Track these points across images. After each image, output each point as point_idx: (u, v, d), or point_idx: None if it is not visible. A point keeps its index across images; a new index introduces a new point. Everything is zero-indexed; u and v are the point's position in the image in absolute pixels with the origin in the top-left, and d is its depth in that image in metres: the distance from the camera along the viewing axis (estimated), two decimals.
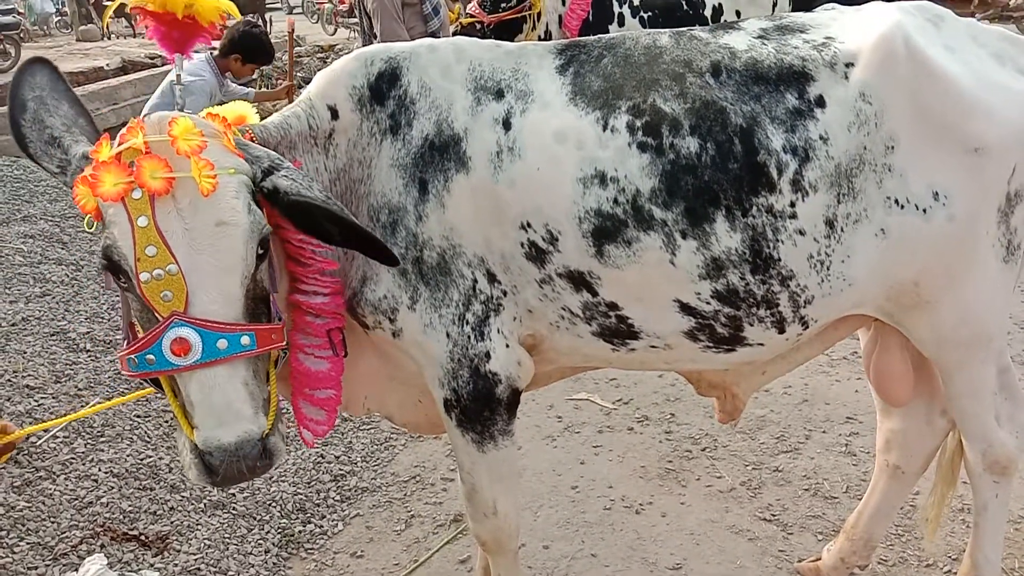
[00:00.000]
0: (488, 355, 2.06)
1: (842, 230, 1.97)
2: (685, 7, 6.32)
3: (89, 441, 3.43)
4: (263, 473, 1.72)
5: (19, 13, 18.53)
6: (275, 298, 1.79)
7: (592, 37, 2.19)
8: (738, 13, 6.35)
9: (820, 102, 1.95)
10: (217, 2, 2.04)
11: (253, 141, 1.94)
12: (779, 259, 1.96)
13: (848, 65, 1.96)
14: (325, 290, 1.98)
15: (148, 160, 1.59)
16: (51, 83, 1.86)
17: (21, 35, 16.99)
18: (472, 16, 5.99)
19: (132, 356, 1.62)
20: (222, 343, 1.59)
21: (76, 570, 2.79)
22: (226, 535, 3.12)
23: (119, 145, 1.63)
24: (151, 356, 1.59)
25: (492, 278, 2.03)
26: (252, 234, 1.65)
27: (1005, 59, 2.03)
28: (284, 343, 1.76)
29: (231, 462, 1.61)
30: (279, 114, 2.09)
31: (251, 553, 3.07)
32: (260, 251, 1.69)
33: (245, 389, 1.64)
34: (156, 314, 1.59)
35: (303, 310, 1.99)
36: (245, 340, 1.63)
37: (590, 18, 6.25)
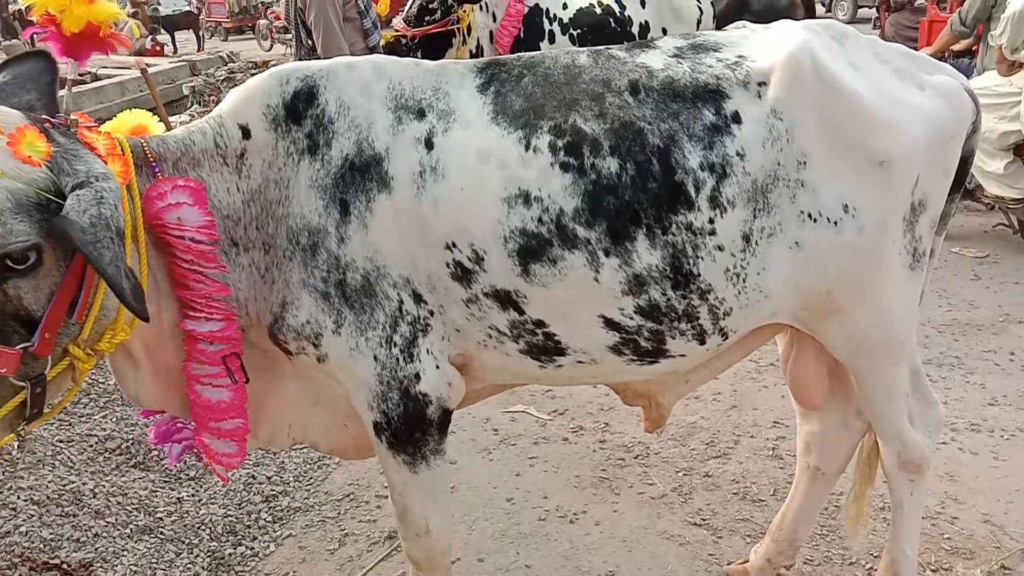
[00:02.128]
0: (418, 376, 2.04)
1: (757, 244, 2.03)
2: (613, 24, 6.45)
3: (6, 468, 3.31)
4: None
5: None
6: (48, 328, 1.65)
7: (512, 55, 2.21)
8: (664, 31, 6.50)
9: (736, 118, 2.01)
10: (113, 11, 1.96)
11: (148, 154, 1.90)
12: (699, 274, 2.01)
13: (760, 84, 2.03)
14: (217, 315, 1.93)
15: None
16: (32, 73, 1.83)
17: None
18: (397, 31, 5.97)
19: None
20: None
21: None
22: (153, 560, 3.05)
23: None
24: None
25: (418, 298, 2.02)
26: None
27: (905, 75, 2.13)
28: (7, 372, 1.61)
29: None
30: (183, 129, 2.04)
31: None
32: (16, 266, 1.59)
33: None
34: None
35: (195, 338, 1.94)
36: None
37: (521, 34, 6.32)
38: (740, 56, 2.09)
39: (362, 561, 3.12)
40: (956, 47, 6.94)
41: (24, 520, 3.09)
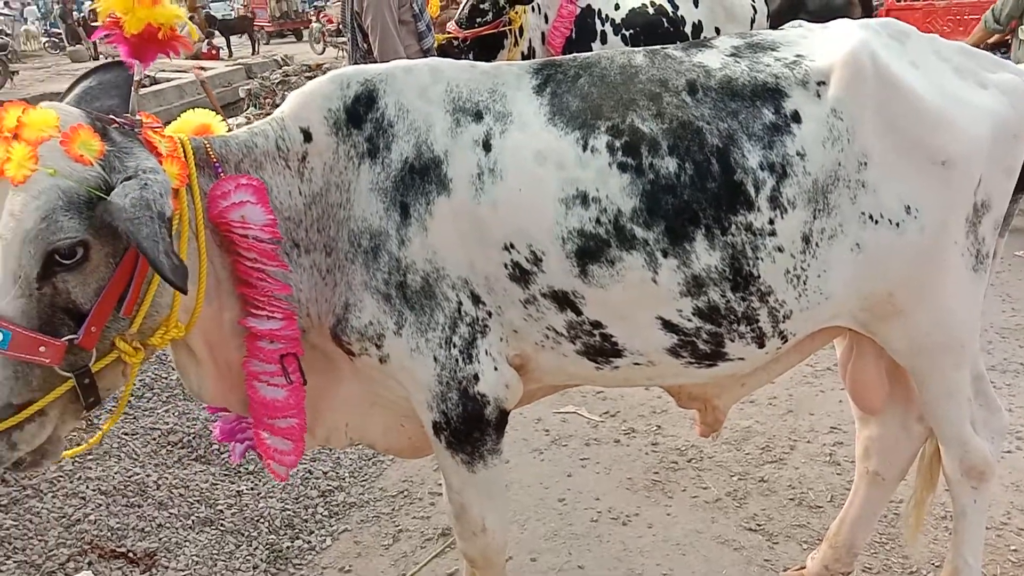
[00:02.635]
0: (476, 377, 2.06)
1: (818, 245, 2.01)
2: (666, 24, 6.40)
3: (76, 459, 3.43)
4: None
5: (7, 34, 18.54)
6: (95, 321, 1.71)
7: (568, 56, 2.22)
8: (717, 30, 6.44)
9: (796, 117, 1.99)
10: (174, 13, 1.99)
11: (211, 155, 1.95)
12: (758, 276, 1.99)
13: (820, 83, 2.01)
14: (278, 314, 1.96)
15: None
16: (116, 80, 1.93)
17: (9, 56, 17.00)
18: (449, 34, 6.01)
19: None
20: None
21: None
22: (214, 551, 3.13)
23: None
24: None
25: (476, 300, 2.03)
26: (33, 239, 1.62)
27: (967, 73, 2.09)
28: (52, 362, 1.67)
29: None
30: (245, 130, 2.07)
31: (239, 569, 3.07)
32: (64, 260, 1.65)
33: None
34: None
35: (255, 335, 1.98)
36: None
37: (573, 35, 6.32)
38: (799, 55, 2.07)
39: (416, 557, 3.16)
40: (989, 40, 6.94)
41: (92, 509, 3.20)
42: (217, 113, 2.20)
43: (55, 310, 1.69)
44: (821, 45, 2.07)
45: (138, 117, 1.86)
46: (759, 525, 3.24)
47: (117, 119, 1.80)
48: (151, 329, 1.82)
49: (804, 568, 2.88)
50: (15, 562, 2.90)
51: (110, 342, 1.77)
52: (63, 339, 1.68)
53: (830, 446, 3.73)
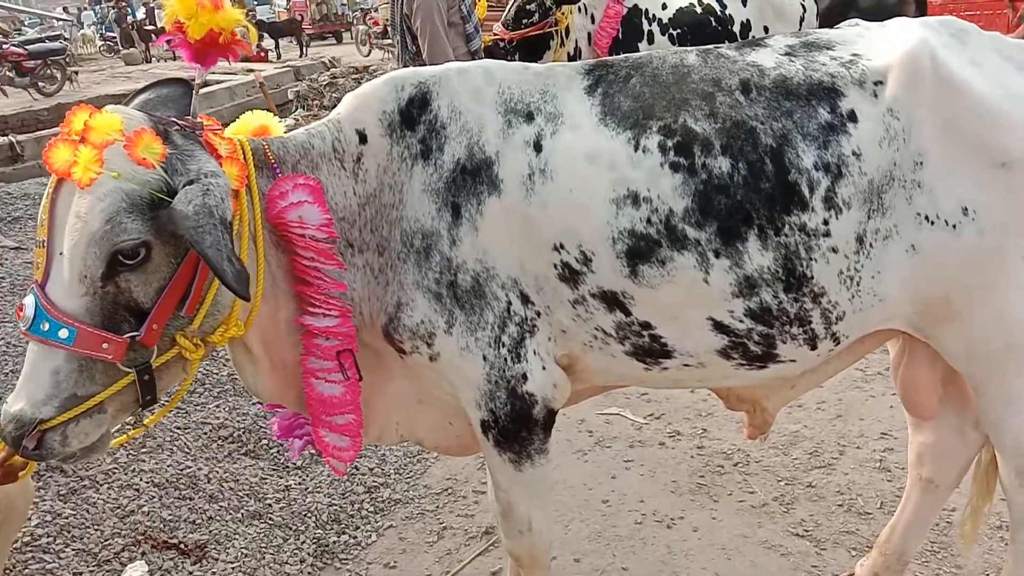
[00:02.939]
0: (525, 376, 2.07)
1: (872, 246, 1.97)
2: (714, 23, 6.35)
3: (131, 451, 3.52)
4: (35, 459, 1.84)
5: (65, 39, 19.08)
6: (157, 319, 1.76)
7: (619, 56, 2.21)
8: (766, 29, 6.37)
9: (852, 117, 1.96)
10: (235, 18, 2.03)
11: (269, 156, 1.99)
12: (812, 277, 1.97)
13: (877, 83, 1.98)
14: (334, 312, 2.00)
15: (64, 142, 1.70)
16: (174, 95, 1.99)
17: (68, 59, 17.48)
18: (495, 35, 6.03)
19: None
20: (44, 325, 1.69)
21: None
22: (263, 544, 3.19)
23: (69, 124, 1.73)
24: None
25: (526, 299, 2.04)
26: (98, 241, 1.67)
27: None
28: (113, 358, 1.73)
29: (5, 429, 1.75)
30: (302, 131, 2.11)
31: (287, 563, 3.12)
32: (127, 261, 1.70)
33: (52, 377, 1.73)
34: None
35: (312, 333, 2.01)
36: (63, 333, 1.68)
37: (619, 36, 6.29)
38: (855, 54, 2.04)
39: (460, 555, 3.18)
40: None
41: (146, 501, 3.28)
42: (274, 115, 2.24)
43: (118, 308, 1.75)
44: (879, 44, 2.03)
45: (199, 120, 1.91)
46: (806, 531, 3.20)
47: (178, 122, 1.85)
48: (211, 327, 1.87)
49: (853, 574, 2.83)
50: (73, 550, 2.99)
51: (171, 339, 1.82)
52: (125, 336, 1.74)
53: (880, 452, 3.67)
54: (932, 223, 1.96)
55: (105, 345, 1.71)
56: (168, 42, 2.01)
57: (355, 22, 27.28)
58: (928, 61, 1.94)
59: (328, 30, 28.80)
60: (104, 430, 1.84)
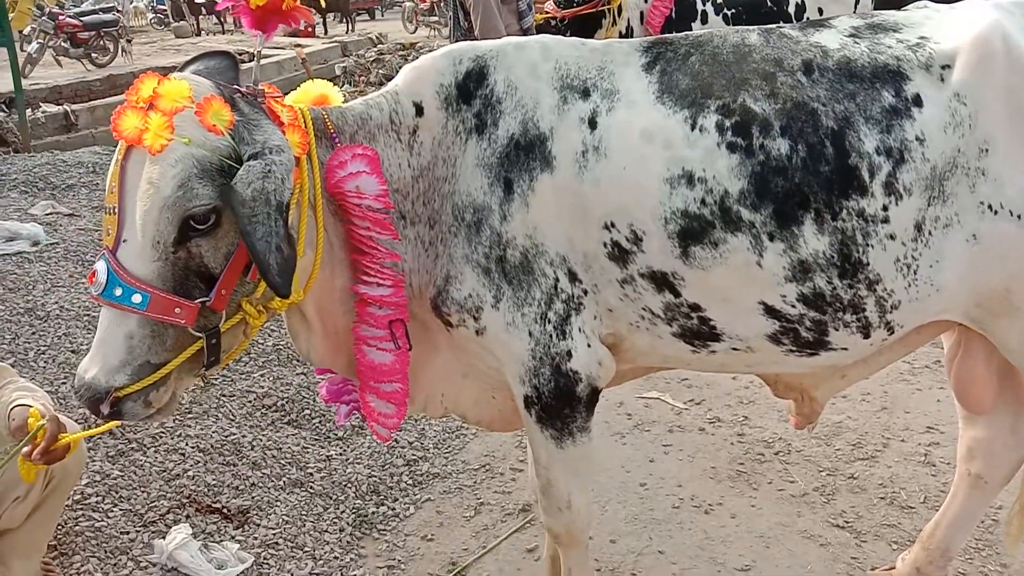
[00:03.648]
0: (569, 353, 2.07)
1: (931, 234, 1.93)
2: (769, 4, 6.25)
3: (177, 417, 3.59)
4: (113, 421, 1.90)
5: (118, 11, 19.35)
6: (225, 284, 1.79)
7: (679, 35, 2.18)
8: (820, 11, 6.26)
9: (917, 101, 1.92)
10: None
11: (328, 125, 2.00)
12: (867, 263, 1.93)
13: (944, 67, 1.92)
14: (387, 282, 2.01)
15: (133, 110, 1.71)
16: (220, 67, 2.00)
17: (120, 31, 17.74)
18: (547, 13, 6.00)
19: None
20: (117, 290, 1.71)
21: (164, 537, 2.94)
22: (303, 512, 3.24)
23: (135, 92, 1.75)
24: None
25: (573, 277, 2.04)
26: (171, 206, 1.70)
27: None
28: (191, 323, 1.76)
29: (80, 395, 1.78)
30: (360, 102, 2.12)
31: (326, 531, 3.17)
32: (198, 226, 1.73)
33: (126, 343, 1.76)
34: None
35: (365, 301, 2.03)
36: (136, 298, 1.71)
37: (673, 15, 6.22)
38: (922, 37, 1.99)
39: (496, 531, 3.20)
40: None
41: (191, 465, 3.35)
42: None
43: (188, 274, 1.78)
44: (947, 26, 1.97)
45: (260, 88, 1.92)
46: (847, 522, 3.16)
47: (242, 90, 1.87)
48: (272, 294, 1.89)
49: (894, 568, 2.79)
50: (120, 510, 3.07)
51: (237, 305, 1.86)
52: (196, 301, 1.77)
53: (925, 446, 3.61)
54: (996, 213, 1.91)
55: (178, 310, 1.75)
56: (228, 8, 2.02)
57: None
58: (1000, 44, 1.88)
59: (360, 7, 28.49)
60: (173, 392, 1.89)
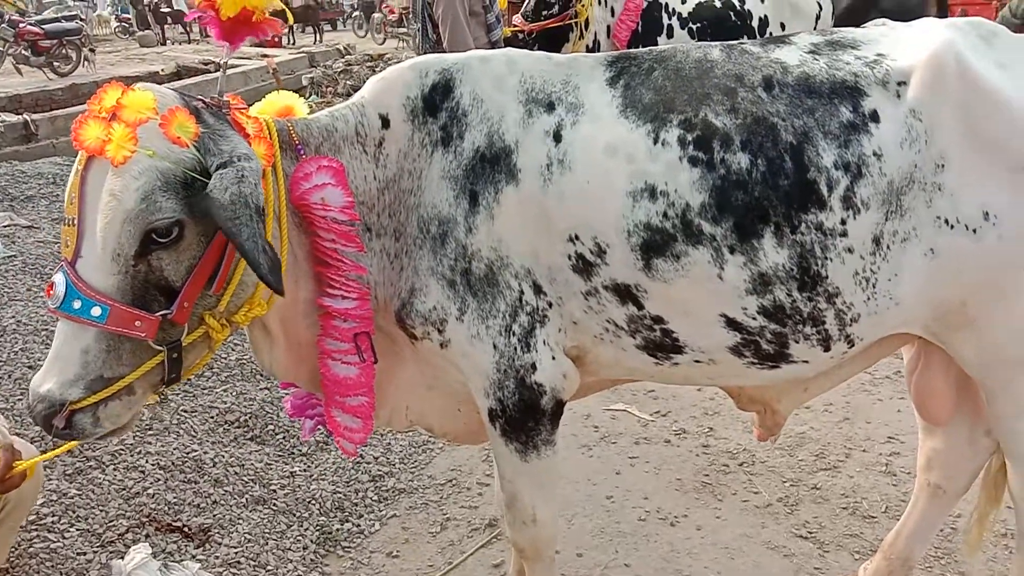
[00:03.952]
0: (534, 366, 2.07)
1: (889, 248, 1.96)
2: (733, 18, 6.33)
3: (137, 434, 3.52)
4: (63, 439, 1.82)
5: (81, 19, 19.07)
6: (187, 297, 1.77)
7: (643, 49, 2.20)
8: (783, 25, 6.36)
9: (875, 117, 1.95)
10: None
11: (294, 137, 1.99)
12: (826, 276, 1.95)
13: (900, 83, 1.96)
14: (352, 294, 2.00)
15: (95, 120, 1.68)
16: None
17: (83, 40, 17.49)
18: (515, 26, 6.03)
19: None
20: (76, 303, 1.68)
21: (122, 557, 2.87)
22: (266, 530, 3.19)
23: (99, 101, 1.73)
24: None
25: (538, 290, 2.04)
26: (133, 219, 1.67)
27: None
28: (147, 336, 1.73)
29: (33, 408, 1.74)
30: (326, 113, 2.11)
31: (290, 549, 3.12)
32: (160, 239, 1.71)
33: (81, 356, 1.72)
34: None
35: (330, 314, 2.02)
36: (96, 311, 1.68)
37: (639, 29, 6.28)
38: (879, 54, 2.02)
39: (463, 547, 3.18)
40: None
41: (151, 483, 3.28)
42: None
43: (149, 286, 1.75)
44: (904, 44, 2.01)
45: (226, 99, 1.90)
46: (810, 532, 3.19)
47: (206, 101, 1.85)
48: (236, 306, 1.88)
49: None
50: (77, 530, 3.00)
51: (199, 318, 1.83)
52: (157, 314, 1.74)
53: (886, 456, 3.65)
54: (952, 227, 1.94)
55: (138, 323, 1.72)
56: (197, 19, 2.01)
57: (348, 11, 27.24)
58: (953, 63, 1.92)
59: (324, 18, 28.32)
60: (134, 412, 1.85)
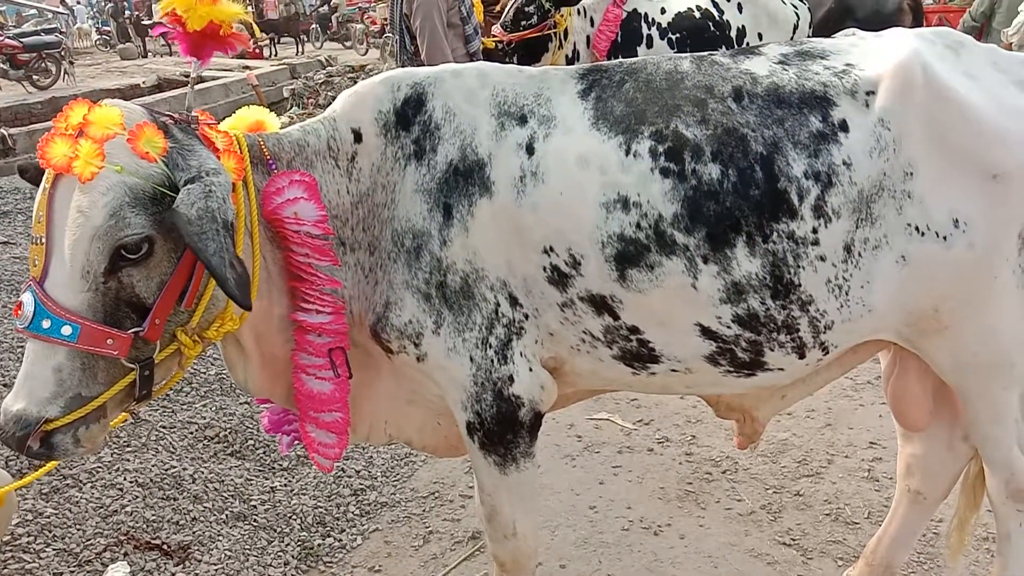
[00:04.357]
0: (511, 378, 2.07)
1: (861, 256, 1.97)
2: (712, 28, 6.36)
3: (115, 451, 3.49)
4: (42, 459, 1.76)
5: (61, 32, 18.96)
6: (159, 314, 1.75)
7: (614, 61, 2.21)
8: (760, 35, 6.40)
9: (844, 126, 1.96)
10: (234, 10, 2.04)
11: (264, 152, 1.98)
12: (799, 284, 1.96)
13: (869, 93, 1.97)
14: (327, 309, 1.99)
15: (61, 137, 1.67)
16: None
17: (62, 53, 17.38)
18: (494, 37, 6.04)
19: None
20: (46, 322, 1.65)
21: None
22: (247, 546, 3.16)
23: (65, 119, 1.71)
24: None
25: (514, 302, 2.04)
26: (102, 236, 1.66)
27: None
28: (119, 354, 1.71)
29: (6, 429, 1.68)
30: (298, 128, 2.11)
31: (271, 565, 3.10)
32: (128, 255, 1.69)
33: (54, 375, 1.69)
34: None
35: (304, 329, 2.01)
36: (66, 330, 1.65)
37: (618, 39, 6.30)
38: (848, 64, 2.04)
39: (445, 559, 3.16)
40: None
41: (129, 501, 3.25)
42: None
43: (120, 304, 1.73)
44: (872, 54, 2.03)
45: (194, 114, 1.89)
46: (794, 540, 3.19)
47: (175, 116, 1.84)
48: (207, 322, 1.86)
49: None
50: (54, 550, 2.96)
51: (171, 334, 1.81)
52: (129, 332, 1.72)
53: (868, 461, 3.66)
54: (923, 234, 1.96)
55: (110, 341, 1.70)
56: (164, 35, 2.00)
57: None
58: (920, 72, 1.94)
59: (301, 29, 28.19)
60: (106, 429, 1.83)
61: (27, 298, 1.69)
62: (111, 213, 1.66)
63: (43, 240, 1.69)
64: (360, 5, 26.19)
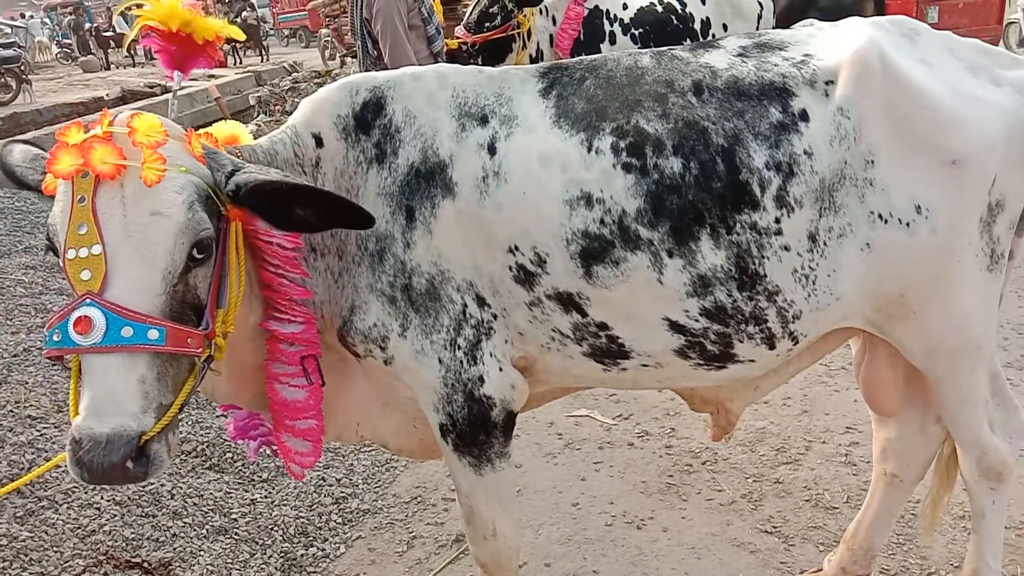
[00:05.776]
0: (482, 379, 2.07)
1: (826, 244, 1.99)
2: (675, 22, 6.39)
3: None
4: (137, 480, 1.61)
5: (20, 46, 18.67)
6: (215, 314, 1.75)
7: (574, 59, 2.22)
8: (724, 27, 6.43)
9: (804, 116, 1.98)
10: (215, 23, 2.03)
11: None
12: (765, 275, 1.98)
13: (828, 83, 1.99)
14: (299, 318, 1.98)
15: (102, 145, 1.62)
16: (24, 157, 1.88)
17: (22, 68, 17.13)
18: (458, 38, 6.03)
19: (47, 331, 1.61)
20: (127, 331, 1.56)
21: None
22: (228, 560, 3.13)
23: (87, 132, 1.67)
24: (58, 332, 1.56)
25: (482, 302, 2.04)
26: (185, 231, 1.64)
27: (980, 71, 2.06)
28: (202, 352, 1.68)
29: (99, 455, 1.53)
30: (266, 139, 2.11)
31: None
32: (197, 254, 1.67)
33: (140, 386, 1.57)
34: (74, 292, 1.59)
35: (277, 338, 2.00)
36: (153, 334, 1.58)
37: (581, 37, 6.31)
38: (806, 54, 2.05)
39: (430, 564, 3.15)
40: None
41: (108, 520, 3.21)
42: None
43: (184, 306, 1.69)
44: (830, 44, 2.05)
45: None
46: (775, 527, 3.22)
47: None
48: (232, 322, 1.83)
49: (821, 570, 2.85)
50: (30, 574, 2.91)
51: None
52: (200, 330, 1.69)
53: (845, 446, 3.70)
54: (886, 221, 1.98)
55: (190, 340, 1.65)
56: (148, 50, 1.99)
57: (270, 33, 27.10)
58: (877, 60, 1.96)
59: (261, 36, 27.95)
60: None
61: (92, 312, 1.57)
62: (189, 208, 1.64)
63: (99, 250, 1.59)
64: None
